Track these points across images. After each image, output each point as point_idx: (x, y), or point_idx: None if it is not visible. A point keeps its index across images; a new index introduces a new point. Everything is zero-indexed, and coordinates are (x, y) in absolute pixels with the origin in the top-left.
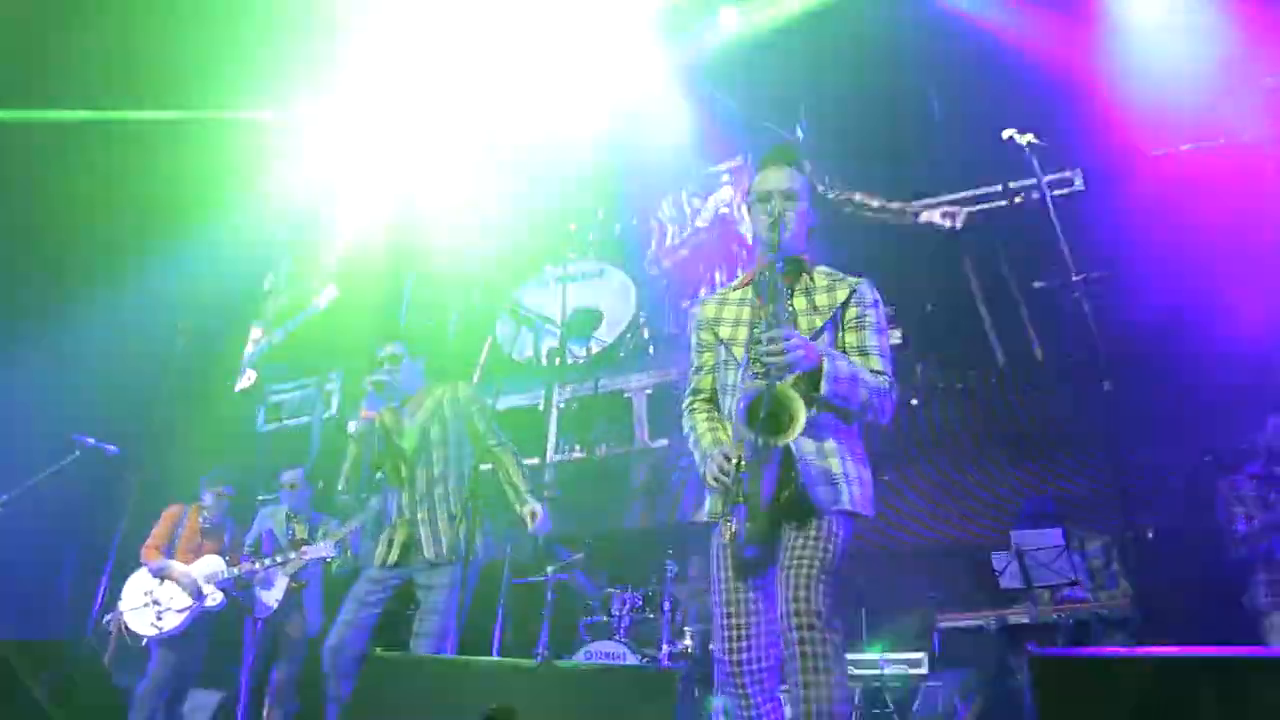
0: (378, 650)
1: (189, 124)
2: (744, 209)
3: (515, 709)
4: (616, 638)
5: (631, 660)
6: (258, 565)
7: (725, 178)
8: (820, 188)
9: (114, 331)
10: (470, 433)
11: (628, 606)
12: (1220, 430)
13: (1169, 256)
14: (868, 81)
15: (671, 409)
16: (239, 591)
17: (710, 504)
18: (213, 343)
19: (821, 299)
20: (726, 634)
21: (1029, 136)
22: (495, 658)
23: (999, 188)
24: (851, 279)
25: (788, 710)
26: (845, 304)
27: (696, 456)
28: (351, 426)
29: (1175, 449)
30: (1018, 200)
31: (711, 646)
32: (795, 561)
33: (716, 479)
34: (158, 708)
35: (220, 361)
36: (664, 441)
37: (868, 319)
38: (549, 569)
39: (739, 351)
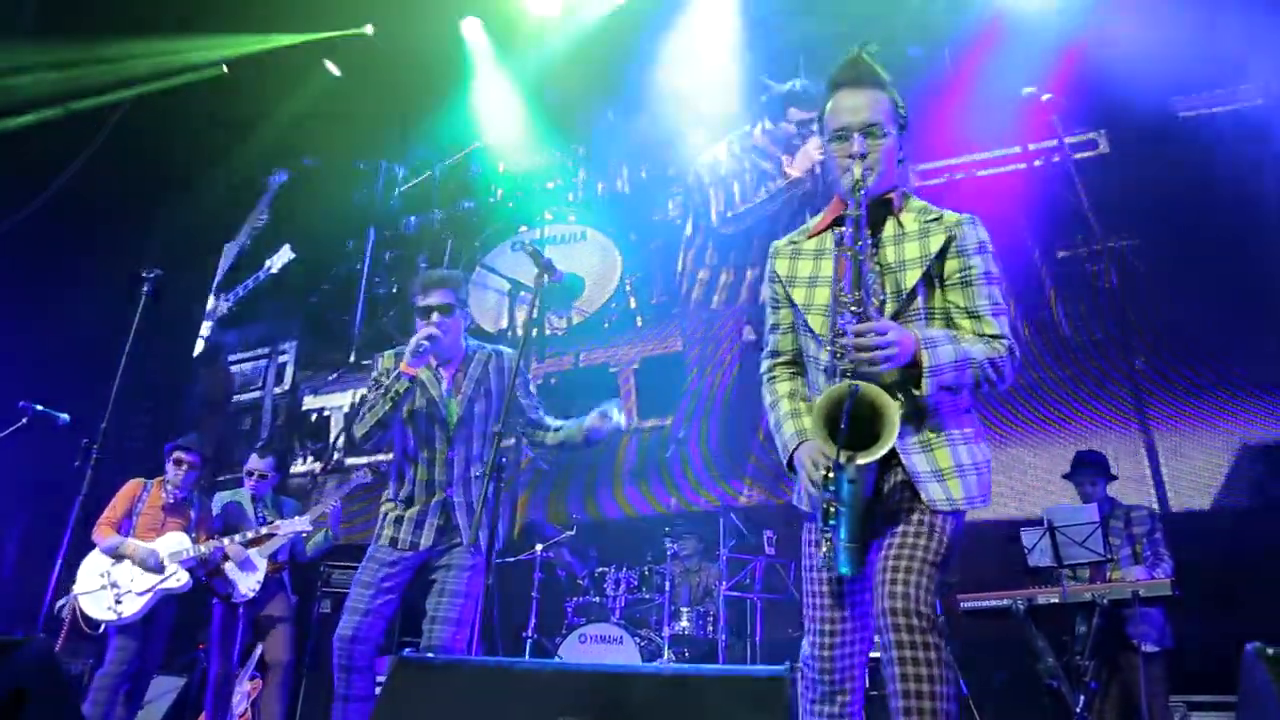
0: (404, 653)
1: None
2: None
3: None
4: (612, 619)
5: (630, 643)
6: (225, 542)
7: (814, 126)
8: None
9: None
10: (510, 408)
11: (623, 587)
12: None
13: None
14: (872, 34)
15: (661, 384)
16: (216, 580)
17: (798, 490)
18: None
19: (912, 249)
20: (816, 631)
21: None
22: (557, 661)
23: (1018, 149)
24: (950, 217)
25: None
26: (943, 254)
27: (777, 441)
28: (380, 372)
29: (1211, 428)
30: (1038, 163)
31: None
32: (896, 552)
33: (808, 489)
34: (115, 701)
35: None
36: (655, 421)
37: (973, 271)
38: (537, 547)
39: (817, 323)
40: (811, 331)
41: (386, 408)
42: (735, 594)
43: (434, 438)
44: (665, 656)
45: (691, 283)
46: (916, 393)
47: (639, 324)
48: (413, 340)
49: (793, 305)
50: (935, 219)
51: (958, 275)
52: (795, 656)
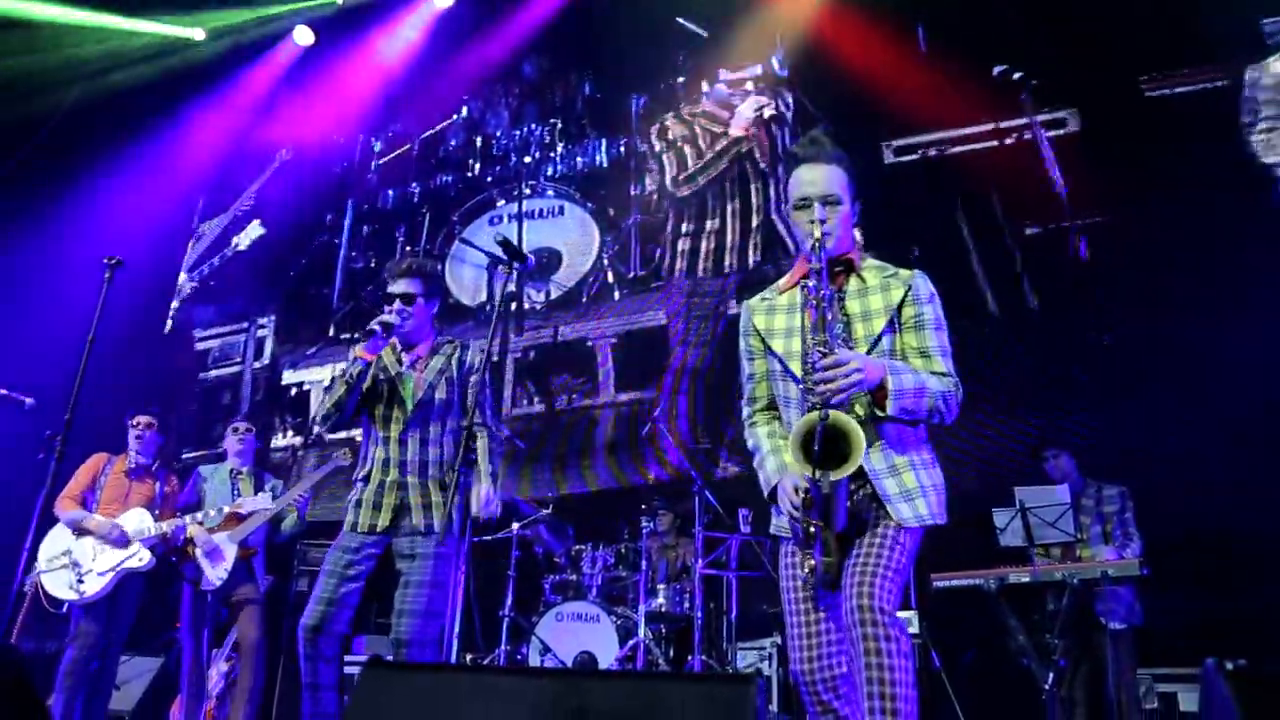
0: (376, 657)
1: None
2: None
3: None
4: (589, 598)
5: (606, 621)
6: (186, 520)
7: (749, 85)
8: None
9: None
10: (461, 401)
11: (599, 565)
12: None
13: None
14: (849, 12)
15: (640, 358)
16: (186, 564)
17: (777, 520)
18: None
19: (876, 301)
20: (800, 647)
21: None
22: (522, 666)
23: (990, 127)
24: (904, 273)
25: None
26: (902, 303)
27: (760, 478)
28: (350, 358)
29: (1176, 405)
30: (1009, 141)
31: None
32: (863, 563)
33: (789, 515)
34: (82, 681)
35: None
36: (633, 394)
37: (925, 317)
38: (514, 525)
39: (797, 367)
40: (793, 375)
41: (341, 391)
42: (711, 571)
43: (391, 417)
44: (642, 633)
45: (674, 253)
46: (880, 413)
47: (617, 297)
48: (371, 325)
49: (771, 354)
50: (892, 275)
51: (912, 320)
52: (769, 632)
